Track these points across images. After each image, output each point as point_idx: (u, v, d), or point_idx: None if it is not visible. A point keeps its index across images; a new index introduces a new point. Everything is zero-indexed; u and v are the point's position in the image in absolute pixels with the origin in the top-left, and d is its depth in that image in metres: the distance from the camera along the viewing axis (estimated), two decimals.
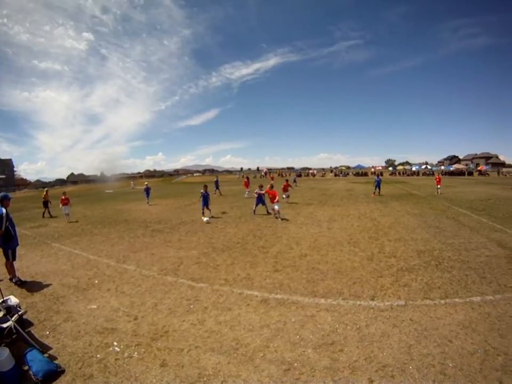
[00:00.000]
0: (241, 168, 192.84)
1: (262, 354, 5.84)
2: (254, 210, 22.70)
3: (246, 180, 40.72)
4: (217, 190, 42.95)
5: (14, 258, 10.32)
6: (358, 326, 6.81)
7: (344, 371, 5.36)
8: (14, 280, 10.18)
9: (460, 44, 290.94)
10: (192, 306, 7.99)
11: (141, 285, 9.64)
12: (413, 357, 5.75)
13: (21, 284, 10.09)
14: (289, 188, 31.66)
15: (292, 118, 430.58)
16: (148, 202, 33.15)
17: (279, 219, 19.50)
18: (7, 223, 9.88)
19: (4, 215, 9.75)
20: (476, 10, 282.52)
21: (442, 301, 7.92)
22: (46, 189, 33.44)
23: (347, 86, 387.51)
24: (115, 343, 6.42)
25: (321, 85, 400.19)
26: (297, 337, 6.41)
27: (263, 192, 22.55)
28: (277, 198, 20.26)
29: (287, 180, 34.08)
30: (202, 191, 22.00)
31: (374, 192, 35.26)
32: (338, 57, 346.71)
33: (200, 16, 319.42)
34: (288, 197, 30.63)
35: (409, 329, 6.66)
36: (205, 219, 20.17)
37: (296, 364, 5.52)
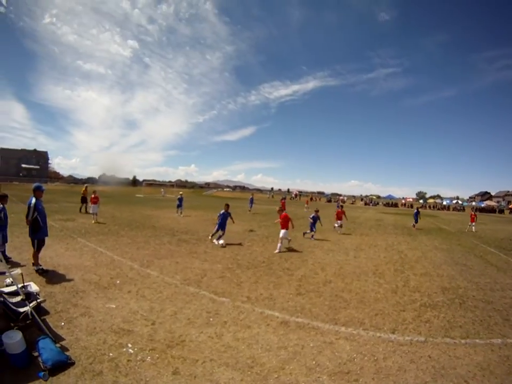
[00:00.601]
0: (272, 188, 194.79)
1: (276, 376, 5.74)
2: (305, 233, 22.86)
3: (283, 201, 39.28)
4: (251, 208, 43.05)
5: (39, 249, 10.43)
6: (375, 357, 6.68)
7: None
8: (35, 268, 10.28)
9: (496, 75, 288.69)
10: (211, 319, 7.93)
11: (162, 292, 9.61)
12: None
13: (42, 272, 10.20)
14: (343, 216, 27.47)
15: (326, 143, 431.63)
16: (180, 213, 31.97)
17: (277, 250, 16.68)
18: (35, 214, 10.00)
19: (32, 205, 9.90)
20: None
21: (463, 341, 7.77)
22: (86, 185, 34.34)
23: (383, 114, 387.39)
24: (129, 345, 6.39)
25: (357, 111, 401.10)
26: (314, 362, 6.29)
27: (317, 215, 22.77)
28: (289, 224, 17.67)
29: (341, 206, 30.76)
30: (223, 210, 19.98)
31: (414, 225, 34.13)
32: (377, 84, 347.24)
33: (244, 34, 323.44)
34: (341, 226, 26.71)
35: (427, 366, 6.51)
36: (221, 242, 17.95)
37: None
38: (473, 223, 34.63)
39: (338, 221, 26.68)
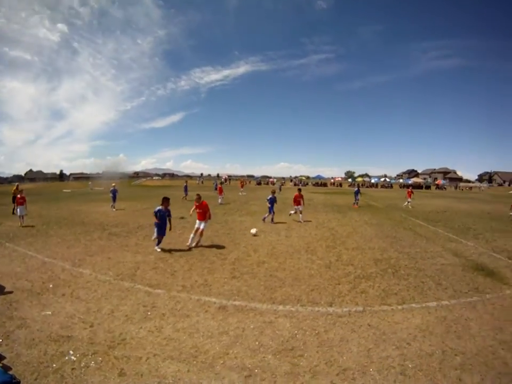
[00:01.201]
0: (201, 174, 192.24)
1: (222, 361, 5.80)
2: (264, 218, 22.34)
3: (220, 186, 39.20)
4: (186, 195, 42.06)
5: None
6: (317, 331, 6.90)
7: (305, 376, 5.41)
8: None
9: (428, 64, 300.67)
10: (149, 313, 7.88)
11: (96, 290, 9.44)
12: (373, 359, 5.88)
13: None
14: (302, 201, 23.56)
15: (254, 126, 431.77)
16: (113, 206, 29.72)
17: (188, 242, 14.93)
18: None
19: None
20: (447, 33, 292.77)
21: (400, 307, 8.17)
22: (16, 183, 32.44)
23: (314, 97, 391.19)
24: (71, 352, 6.24)
25: (287, 95, 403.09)
26: (257, 343, 6.42)
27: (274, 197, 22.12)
28: (208, 213, 15.47)
29: (299, 190, 24.84)
30: (271, 196, 21.85)
31: (356, 203, 34.97)
32: (308, 70, 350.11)
33: (177, 18, 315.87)
34: (300, 212, 23.06)
35: (368, 333, 6.81)
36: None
37: (257, 370, 5.52)
38: (410, 199, 35.75)
39: (298, 206, 23.19)
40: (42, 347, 6.43)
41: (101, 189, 72.40)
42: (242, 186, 59.26)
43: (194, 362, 5.81)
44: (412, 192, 36.77)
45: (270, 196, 22.29)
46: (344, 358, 5.92)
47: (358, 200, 34.77)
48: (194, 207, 15.74)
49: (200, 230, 15.05)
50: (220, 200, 35.37)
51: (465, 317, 7.74)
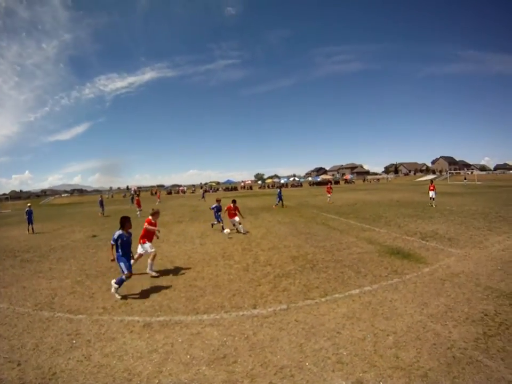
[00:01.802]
0: (111, 187, 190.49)
1: (157, 381, 5.74)
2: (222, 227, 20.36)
3: (138, 198, 38.47)
4: (103, 211, 40.53)
5: None
6: (245, 335, 6.97)
7: (244, 381, 5.44)
8: None
9: (332, 68, 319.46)
10: (74, 342, 7.63)
11: (17, 325, 9.00)
12: (307, 354, 6.01)
13: None
14: (238, 213, 20.58)
15: (163, 135, 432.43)
16: (29, 229, 27.32)
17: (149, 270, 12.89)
18: None
19: None
20: (349, 39, 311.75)
21: (323, 299, 8.44)
22: None
23: (220, 103, 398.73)
24: None
25: (194, 102, 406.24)
26: (188, 356, 6.40)
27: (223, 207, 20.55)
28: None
29: (233, 201, 21.09)
30: (215, 204, 20.77)
31: (276, 205, 35.31)
32: (215, 75, 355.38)
33: (85, 21, 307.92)
34: (240, 223, 20.18)
35: (297, 329, 6.95)
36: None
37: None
38: (330, 195, 37.02)
39: (233, 219, 20.36)
40: None
41: (8, 211, 69.93)
42: (159, 197, 61.56)
43: None
44: (331, 188, 38.30)
45: (215, 205, 21.37)
46: (278, 357, 6.01)
47: (281, 201, 35.20)
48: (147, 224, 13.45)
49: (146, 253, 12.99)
50: (138, 214, 34.64)
51: (390, 299, 8.10)
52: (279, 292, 9.29)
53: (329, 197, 36.79)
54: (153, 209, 13.51)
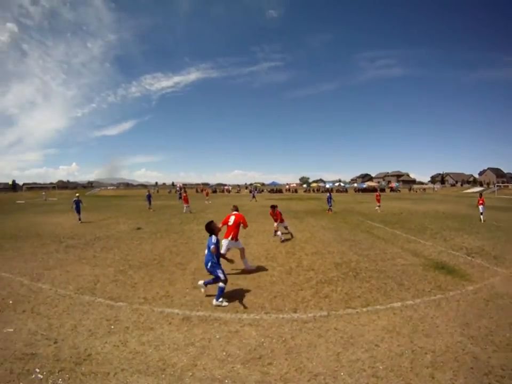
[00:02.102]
0: (156, 183, 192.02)
1: (190, 373, 5.73)
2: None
3: (185, 195, 37.73)
4: (150, 205, 40.41)
5: None
6: (283, 338, 6.87)
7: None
8: None
9: (375, 73, 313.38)
10: (113, 327, 7.75)
11: (57, 305, 9.22)
12: (343, 363, 5.86)
13: None
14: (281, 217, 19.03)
15: (208, 134, 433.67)
16: (79, 219, 27.81)
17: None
18: None
19: None
20: (392, 43, 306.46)
21: (364, 309, 8.23)
22: None
23: (264, 104, 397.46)
24: (37, 370, 6.08)
25: (239, 103, 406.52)
26: (224, 353, 6.36)
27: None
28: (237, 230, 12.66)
29: (273, 207, 19.42)
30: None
31: (329, 210, 34.44)
32: (258, 77, 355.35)
33: (128, 22, 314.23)
34: (286, 228, 19.26)
35: (335, 337, 6.80)
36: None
37: (227, 381, 5.46)
38: (379, 204, 36.00)
39: (282, 223, 19.20)
40: (8, 366, 6.27)
41: (54, 199, 71.37)
42: (207, 194, 59.75)
43: (163, 375, 5.73)
44: (379, 195, 37.13)
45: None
46: (314, 363, 5.89)
47: (331, 206, 34.49)
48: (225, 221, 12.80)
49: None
50: (185, 209, 35.03)
51: (431, 315, 7.83)
52: (320, 298, 9.16)
53: (378, 206, 35.81)
54: (235, 206, 13.80)
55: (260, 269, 12.26)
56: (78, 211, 28.28)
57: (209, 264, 9.34)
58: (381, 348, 6.36)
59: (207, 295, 9.27)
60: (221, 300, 9.06)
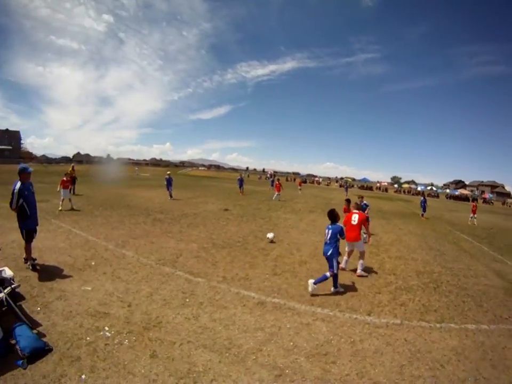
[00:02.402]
0: (247, 168, 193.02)
1: (254, 357, 5.77)
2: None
3: (278, 183, 36.78)
4: (242, 190, 40.17)
5: (28, 240, 9.33)
6: (352, 339, 6.75)
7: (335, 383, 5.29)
8: (27, 263, 9.47)
9: (475, 70, 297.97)
10: (187, 300, 7.93)
11: (137, 272, 9.58)
12: (404, 377, 5.69)
13: (33, 268, 9.28)
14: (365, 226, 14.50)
15: (302, 124, 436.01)
16: (170, 196, 28.75)
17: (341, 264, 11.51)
18: (21, 201, 8.97)
19: (16, 190, 8.84)
20: (496, 37, 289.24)
21: (438, 325, 7.90)
22: (72, 164, 32.66)
23: (359, 97, 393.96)
24: (106, 328, 6.35)
25: (334, 94, 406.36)
26: (291, 344, 6.35)
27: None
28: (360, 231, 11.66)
29: (348, 201, 16.34)
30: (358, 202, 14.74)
31: (423, 215, 32.62)
32: (355, 69, 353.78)
33: (222, 11, 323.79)
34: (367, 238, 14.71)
35: (403, 349, 6.61)
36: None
37: (287, 371, 5.45)
38: (474, 215, 32.86)
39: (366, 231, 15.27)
40: (79, 320, 6.58)
41: (146, 175, 73.47)
42: (300, 184, 58.24)
43: (227, 354, 5.81)
44: (476, 206, 33.88)
45: (364, 202, 17.80)
46: (376, 371, 5.78)
47: (424, 211, 32.65)
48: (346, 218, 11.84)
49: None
50: (275, 197, 34.96)
51: (503, 345, 7.41)
52: (397, 304, 8.96)
53: (473, 217, 32.77)
54: (356, 203, 12.63)
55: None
56: (169, 188, 29.14)
57: (330, 251, 9.25)
58: (445, 369, 6.11)
59: (312, 295, 9.05)
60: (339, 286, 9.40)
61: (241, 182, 40.21)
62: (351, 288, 9.88)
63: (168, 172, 31.17)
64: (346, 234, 10.65)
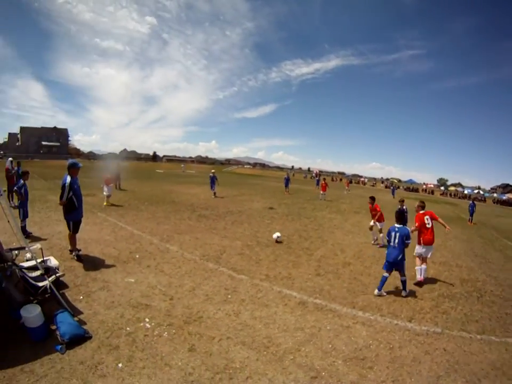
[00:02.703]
0: (292, 166, 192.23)
1: (292, 357, 5.76)
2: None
3: (324, 183, 36.33)
4: (287, 188, 39.57)
5: (75, 231, 9.78)
6: (391, 346, 6.65)
7: None
8: (73, 254, 9.83)
9: None
10: (229, 296, 8.00)
11: (181, 267, 9.73)
12: None
13: (78, 259, 9.64)
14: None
15: (347, 123, 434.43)
16: (214, 194, 28.55)
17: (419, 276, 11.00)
18: (71, 194, 9.32)
19: (67, 184, 9.20)
20: None
21: (479, 336, 7.65)
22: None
23: (405, 96, 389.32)
24: (147, 320, 6.49)
25: (379, 92, 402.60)
26: (330, 346, 6.31)
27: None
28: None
29: (372, 199, 16.16)
30: (400, 206, 15.59)
31: (470, 220, 30.63)
32: (400, 66, 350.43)
33: (264, 10, 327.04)
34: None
35: (441, 359, 6.43)
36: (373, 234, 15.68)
37: (324, 373, 5.41)
38: None
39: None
40: (120, 310, 6.76)
41: (192, 172, 74.10)
42: (347, 185, 57.92)
43: (265, 352, 5.83)
44: None
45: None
46: (413, 380, 5.65)
47: (472, 216, 30.88)
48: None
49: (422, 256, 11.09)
50: (320, 196, 34.65)
51: None
52: (438, 312, 8.70)
53: None
54: (422, 202, 12.17)
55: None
56: (213, 186, 29.00)
57: (401, 256, 9.16)
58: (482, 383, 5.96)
59: (378, 295, 9.13)
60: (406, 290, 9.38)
61: (287, 181, 39.69)
62: (393, 292, 9.67)
63: (213, 171, 31.00)
64: (424, 238, 10.81)
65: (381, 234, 15.30)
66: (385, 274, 9.25)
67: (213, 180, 28.92)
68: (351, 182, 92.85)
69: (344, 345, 6.37)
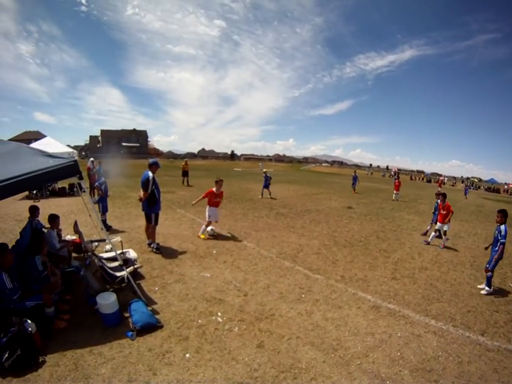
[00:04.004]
0: (371, 165, 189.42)
1: (358, 362, 5.68)
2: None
3: (398, 181, 33.77)
4: (354, 186, 37.77)
5: (156, 223, 10.39)
6: (460, 359, 6.35)
7: None
8: (152, 246, 10.33)
9: None
10: (303, 296, 8.00)
11: (257, 264, 9.86)
12: None
13: (157, 250, 10.15)
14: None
15: (425, 117, 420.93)
16: (264, 194, 26.92)
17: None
18: (153, 187, 9.93)
19: (150, 178, 9.81)
20: None
21: None
22: (185, 159, 35.05)
23: (485, 86, 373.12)
24: (219, 314, 6.64)
25: (456, 83, 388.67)
26: (398, 354, 6.17)
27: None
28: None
29: (444, 195, 15.09)
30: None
31: None
32: (475, 53, 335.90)
33: (331, 4, 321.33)
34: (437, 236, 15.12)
35: (509, 379, 6.04)
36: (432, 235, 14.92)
37: (388, 382, 5.31)
38: None
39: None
40: (193, 303, 6.98)
41: (270, 170, 74.74)
42: (440, 185, 56.85)
43: (332, 355, 5.78)
44: None
45: None
46: None
47: None
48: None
49: None
50: (394, 196, 33.25)
51: None
52: None
53: None
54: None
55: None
56: (266, 186, 27.25)
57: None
58: None
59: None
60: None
61: (355, 179, 38.43)
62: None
63: (264, 170, 31.48)
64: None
65: (445, 237, 14.82)
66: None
67: (267, 180, 27.78)
68: (429, 181, 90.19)
69: (412, 355, 6.21)
